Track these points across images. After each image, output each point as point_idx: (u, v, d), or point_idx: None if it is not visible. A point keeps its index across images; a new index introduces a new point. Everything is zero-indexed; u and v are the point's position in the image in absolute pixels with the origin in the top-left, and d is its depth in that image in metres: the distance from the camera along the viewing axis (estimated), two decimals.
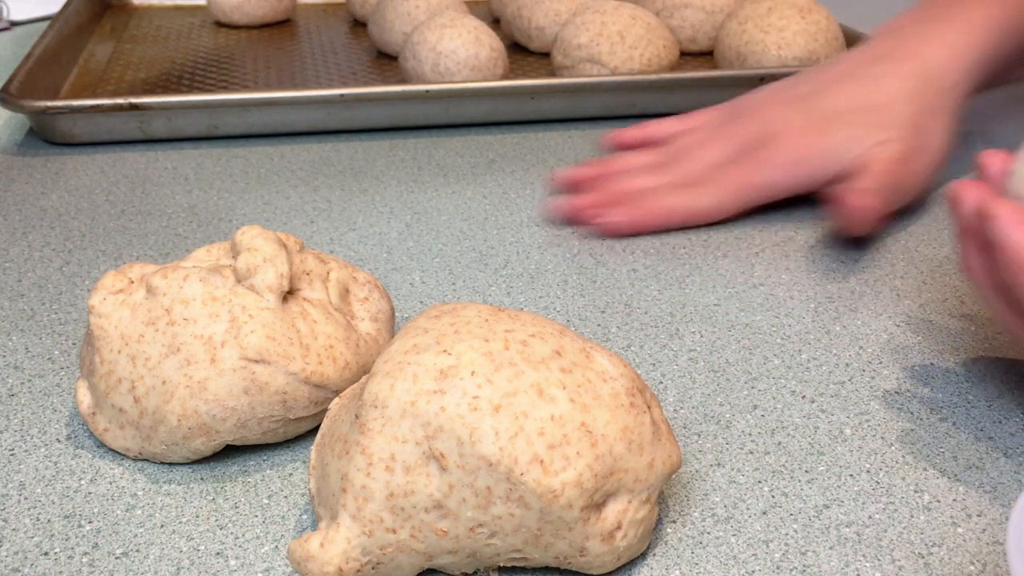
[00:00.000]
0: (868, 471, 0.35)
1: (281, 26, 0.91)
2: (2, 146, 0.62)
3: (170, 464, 0.34)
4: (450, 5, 0.78)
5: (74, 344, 0.41)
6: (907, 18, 0.57)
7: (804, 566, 0.30)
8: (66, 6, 0.81)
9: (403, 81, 0.72)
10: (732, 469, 0.35)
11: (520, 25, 0.81)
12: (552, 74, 0.75)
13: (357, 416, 0.29)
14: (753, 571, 0.30)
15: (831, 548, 0.31)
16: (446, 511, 0.27)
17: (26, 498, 0.33)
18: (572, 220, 0.53)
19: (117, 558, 0.30)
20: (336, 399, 0.32)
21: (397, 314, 0.43)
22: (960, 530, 0.32)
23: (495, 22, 0.88)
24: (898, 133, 0.51)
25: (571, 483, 0.27)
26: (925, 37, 0.55)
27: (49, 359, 0.40)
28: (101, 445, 0.35)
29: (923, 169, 0.52)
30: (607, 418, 0.28)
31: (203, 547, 0.31)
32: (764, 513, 0.32)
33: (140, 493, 0.33)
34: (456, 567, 0.29)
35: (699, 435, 0.36)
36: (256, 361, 0.32)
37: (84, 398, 0.35)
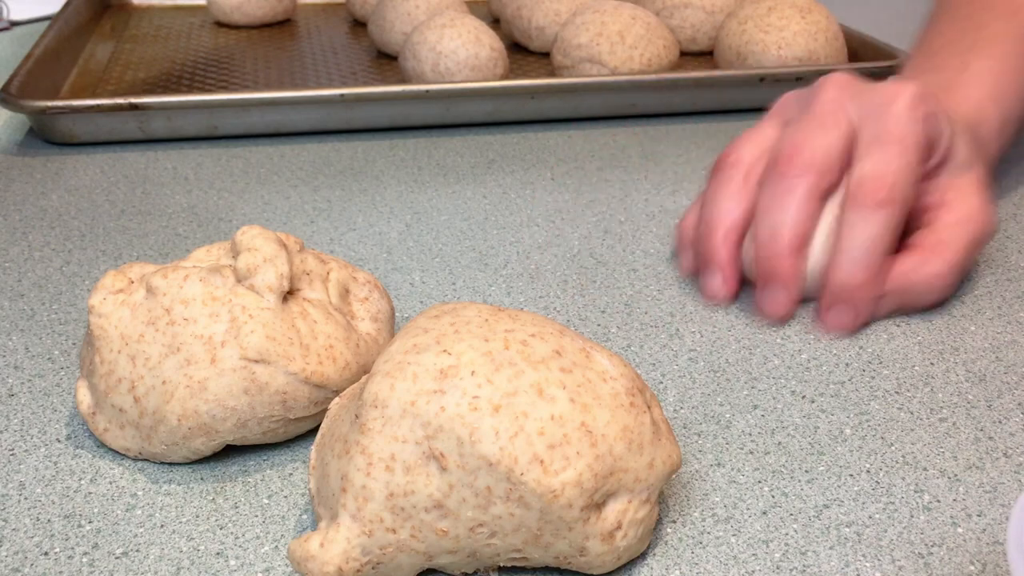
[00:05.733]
0: (868, 471, 0.35)
1: (281, 26, 0.91)
2: (2, 146, 0.62)
3: (170, 464, 0.34)
4: (450, 5, 0.78)
5: (74, 344, 0.41)
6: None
7: (804, 566, 0.30)
8: (66, 6, 0.81)
9: (403, 81, 0.72)
10: (732, 469, 0.35)
11: (520, 25, 0.81)
12: (552, 74, 0.75)
13: (357, 416, 0.29)
14: (753, 571, 0.30)
15: (831, 548, 0.31)
16: (446, 511, 0.27)
17: (26, 498, 0.33)
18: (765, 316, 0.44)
19: (117, 558, 0.30)
20: (336, 399, 0.32)
21: (397, 314, 0.43)
22: (960, 530, 0.32)
23: (495, 22, 0.88)
24: None
25: (571, 483, 0.27)
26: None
27: (49, 359, 0.40)
28: (101, 445, 0.35)
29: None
30: (607, 418, 0.28)
31: (203, 547, 0.31)
32: (764, 513, 0.32)
33: (140, 493, 0.33)
34: (456, 567, 0.29)
35: (699, 435, 0.36)
36: (256, 361, 0.32)
37: (84, 398, 0.35)
